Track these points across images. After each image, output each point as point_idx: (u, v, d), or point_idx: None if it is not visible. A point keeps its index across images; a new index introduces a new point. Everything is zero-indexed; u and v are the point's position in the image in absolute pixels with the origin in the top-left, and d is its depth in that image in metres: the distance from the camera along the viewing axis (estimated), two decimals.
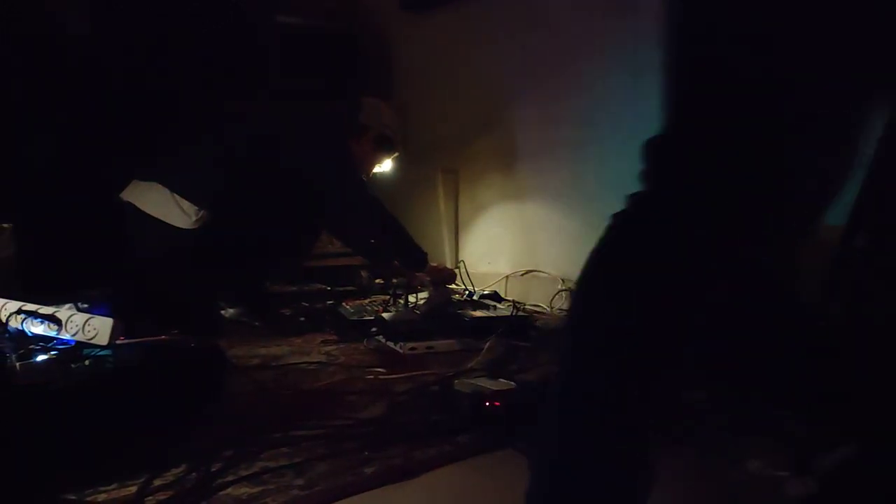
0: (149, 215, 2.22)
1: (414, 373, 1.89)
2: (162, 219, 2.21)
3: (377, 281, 3.01)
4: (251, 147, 2.35)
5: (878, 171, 1.49)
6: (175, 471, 1.23)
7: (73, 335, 1.42)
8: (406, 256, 2.61)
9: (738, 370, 1.75)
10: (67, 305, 1.51)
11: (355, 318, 2.41)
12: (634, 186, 2.87)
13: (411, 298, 2.59)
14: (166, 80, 2.62)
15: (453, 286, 2.86)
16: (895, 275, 1.16)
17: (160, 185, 2.24)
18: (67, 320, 1.43)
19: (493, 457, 1.36)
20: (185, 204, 2.21)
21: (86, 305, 1.49)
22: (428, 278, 2.65)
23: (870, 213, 1.59)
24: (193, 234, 2.21)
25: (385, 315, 2.30)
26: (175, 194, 2.22)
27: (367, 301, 2.70)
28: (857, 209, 1.65)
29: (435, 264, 2.73)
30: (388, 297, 2.67)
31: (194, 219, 2.21)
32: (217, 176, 2.29)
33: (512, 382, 1.62)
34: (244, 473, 1.24)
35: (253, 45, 2.93)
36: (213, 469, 1.24)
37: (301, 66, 3.08)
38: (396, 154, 2.78)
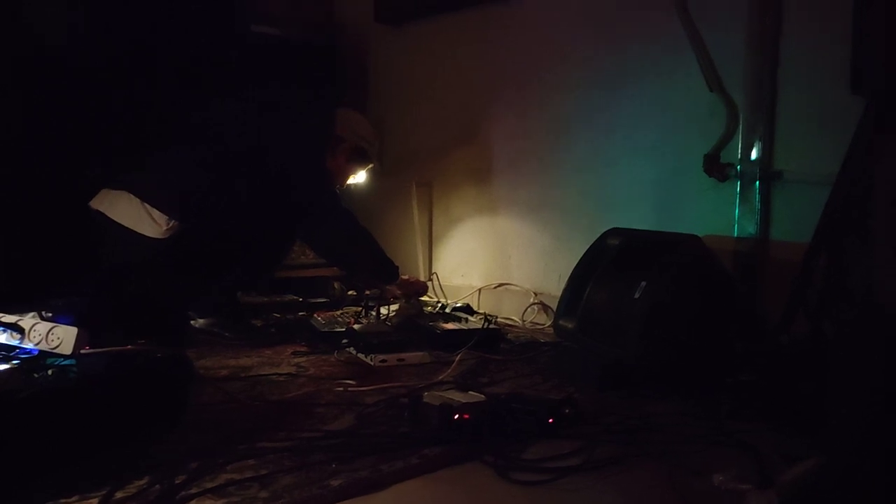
0: (118, 224, 2.19)
1: (384, 385, 1.88)
2: (132, 228, 2.18)
3: (350, 292, 3.00)
4: (224, 157, 2.33)
5: (837, 197, 1.53)
6: (138, 483, 1.22)
7: (37, 344, 1.39)
8: (377, 269, 2.60)
9: (704, 384, 1.78)
10: (31, 314, 1.49)
11: (326, 329, 2.40)
12: (603, 201, 2.93)
13: (383, 310, 2.59)
14: (140, 88, 2.59)
15: (425, 298, 2.86)
16: (852, 292, 1.19)
17: (130, 195, 2.21)
18: (31, 329, 1.41)
19: (462, 469, 1.36)
20: (156, 213, 2.19)
21: (50, 314, 1.47)
22: (399, 291, 2.65)
23: (829, 234, 1.63)
24: (164, 244, 2.19)
25: (356, 327, 2.30)
26: (146, 204, 2.19)
27: (339, 313, 2.69)
28: (819, 231, 1.69)
29: (406, 277, 2.73)
30: (361, 308, 2.66)
31: (165, 228, 2.18)
32: (188, 186, 2.26)
33: (482, 395, 1.63)
34: (209, 486, 1.22)
35: (229, 55, 2.92)
36: (177, 481, 1.23)
37: (277, 77, 3.07)
38: (372, 166, 2.77)
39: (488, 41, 3.09)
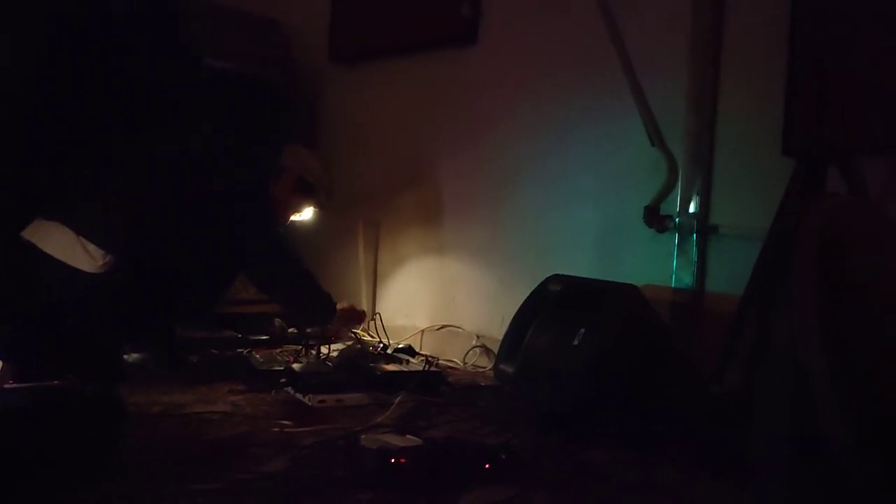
0: (52, 257, 2.11)
1: (321, 426, 1.86)
2: (66, 261, 2.11)
3: (291, 330, 2.96)
4: (163, 189, 2.29)
5: (767, 253, 1.60)
6: None
7: None
8: (313, 308, 2.57)
9: (639, 432, 1.80)
10: None
11: (265, 367, 2.36)
12: (547, 247, 2.96)
13: (323, 349, 2.56)
14: (80, 115, 2.54)
15: (367, 337, 2.85)
16: (775, 347, 1.23)
17: (65, 227, 2.14)
18: None
19: None
20: (91, 247, 2.12)
21: None
22: (338, 326, 2.62)
23: (760, 288, 1.69)
24: (99, 279, 2.12)
25: (295, 366, 2.27)
26: (81, 237, 2.13)
27: (278, 350, 2.66)
28: (751, 285, 1.76)
29: (344, 304, 2.69)
30: (301, 347, 2.63)
31: (101, 263, 2.12)
32: (126, 220, 2.21)
33: (419, 439, 1.62)
34: None
35: (179, 87, 2.89)
36: None
37: (229, 111, 3.05)
38: (319, 202, 2.75)
39: (440, 85, 3.14)
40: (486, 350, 2.84)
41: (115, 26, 2.70)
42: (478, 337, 2.89)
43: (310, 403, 2.06)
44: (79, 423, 1.38)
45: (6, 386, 1.33)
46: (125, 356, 2.40)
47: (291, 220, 2.73)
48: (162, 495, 1.32)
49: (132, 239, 2.17)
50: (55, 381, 1.41)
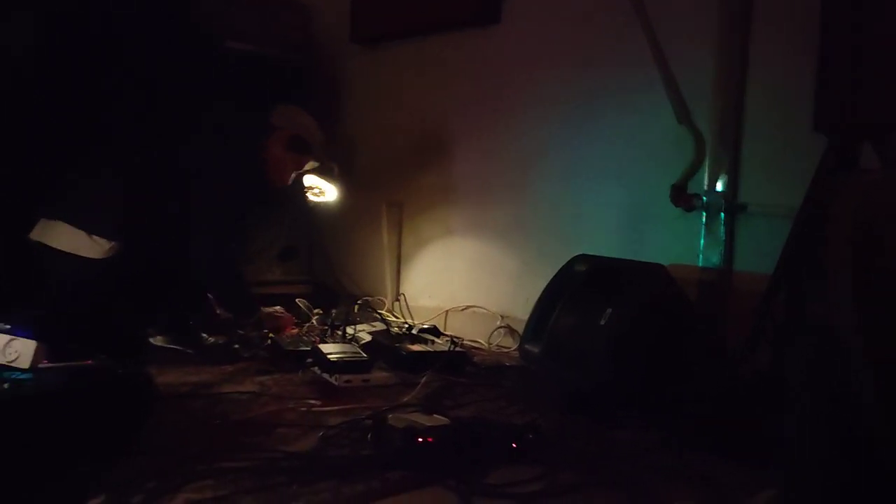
0: (60, 251, 2.18)
1: (347, 406, 1.87)
2: (73, 252, 2.17)
3: (316, 311, 2.97)
4: (154, 174, 2.31)
5: (798, 231, 1.57)
6: (94, 501, 1.19)
7: None
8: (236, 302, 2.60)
9: (666, 412, 1.79)
10: None
11: (291, 347, 2.37)
12: (572, 227, 2.94)
13: (349, 330, 2.58)
14: (87, 102, 2.54)
15: (391, 318, 2.85)
16: (809, 326, 1.21)
17: (66, 224, 2.20)
18: None
19: (424, 493, 1.35)
20: (95, 237, 2.19)
21: (8, 327, 1.44)
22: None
23: (790, 267, 1.67)
24: (107, 263, 2.18)
25: (322, 346, 2.28)
26: (84, 230, 2.19)
27: (304, 331, 2.67)
28: (780, 264, 1.73)
29: (271, 310, 2.69)
30: (326, 327, 2.65)
31: (106, 248, 2.18)
32: (125, 209, 2.26)
33: (446, 419, 1.62)
34: None
35: (198, 70, 2.89)
36: (134, 501, 1.20)
37: (250, 93, 3.05)
38: (317, 157, 2.74)
39: (462, 65, 3.12)
40: (510, 330, 2.84)
41: (127, 8, 2.69)
42: (502, 317, 2.89)
43: (336, 383, 2.07)
44: (110, 402, 1.40)
45: (41, 366, 1.35)
46: (150, 338, 2.43)
47: (312, 197, 2.71)
48: (192, 473, 1.33)
49: (131, 225, 2.22)
50: (88, 361, 1.43)
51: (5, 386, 1.29)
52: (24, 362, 1.35)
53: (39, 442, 1.25)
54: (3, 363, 1.36)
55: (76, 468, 1.27)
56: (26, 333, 1.39)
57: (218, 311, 2.60)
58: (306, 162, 2.70)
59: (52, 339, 1.41)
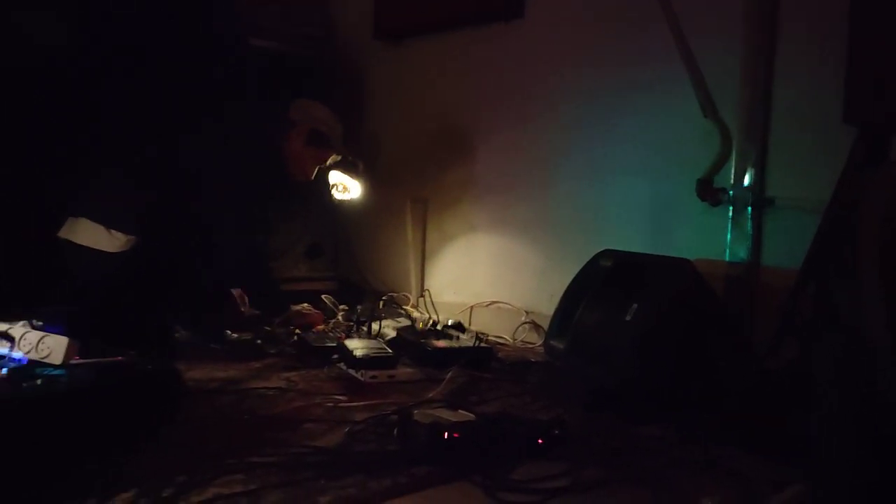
0: (83, 247, 2.23)
1: (373, 402, 1.88)
2: (93, 246, 2.22)
3: (342, 307, 2.99)
4: (174, 169, 2.34)
5: (827, 226, 1.55)
6: (125, 495, 1.21)
7: (26, 353, 1.39)
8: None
9: (692, 408, 1.78)
10: (21, 323, 1.49)
11: (317, 343, 2.39)
12: (596, 222, 2.93)
13: (374, 326, 2.59)
14: (109, 102, 2.57)
15: (416, 313, 2.86)
16: (838, 322, 1.20)
17: (87, 220, 2.25)
18: (21, 338, 1.41)
19: (450, 489, 1.36)
20: (114, 231, 2.23)
21: (40, 323, 1.47)
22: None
23: (819, 263, 1.64)
24: (125, 256, 2.23)
25: (347, 342, 2.29)
26: (103, 225, 2.23)
27: (329, 327, 2.69)
28: (809, 259, 1.71)
29: (299, 308, 2.72)
30: (352, 323, 2.66)
31: (124, 241, 2.22)
32: (142, 203, 2.30)
33: (471, 414, 1.63)
34: (196, 500, 1.22)
35: (219, 68, 2.91)
36: (164, 494, 1.22)
37: (272, 91, 3.07)
38: (337, 150, 2.75)
39: (488, 60, 3.11)
40: (534, 326, 2.84)
41: (151, 7, 2.72)
42: (526, 313, 2.89)
43: (362, 379, 2.08)
44: (140, 397, 1.43)
45: (73, 361, 1.37)
46: (175, 333, 2.46)
47: (337, 193, 2.72)
48: (221, 468, 1.35)
49: (153, 221, 2.26)
50: (118, 357, 1.45)
51: (38, 382, 1.32)
52: (57, 358, 1.38)
53: (71, 436, 1.27)
54: (36, 359, 1.39)
55: (107, 462, 1.30)
56: (58, 330, 1.42)
57: (242, 309, 2.63)
58: (327, 156, 2.72)
59: (82, 336, 1.44)
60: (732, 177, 2.30)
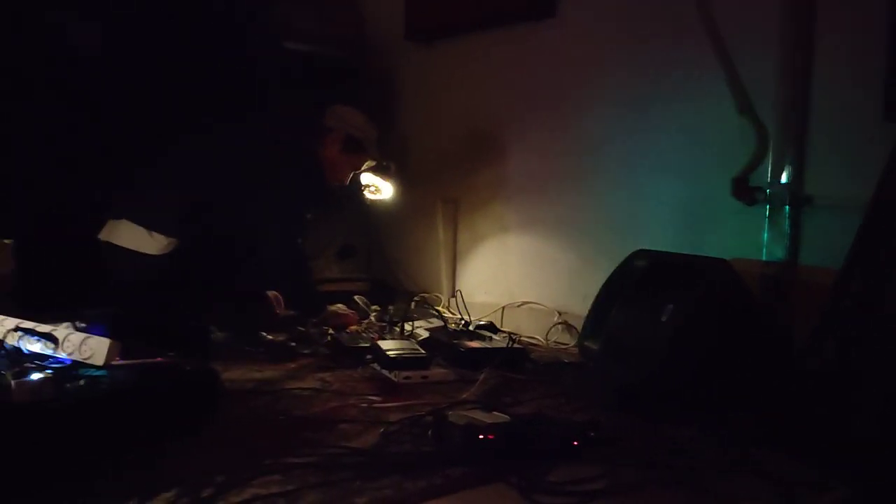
0: (124, 249, 2.31)
1: (408, 402, 1.89)
2: (134, 248, 2.30)
3: (374, 307, 3.01)
4: (215, 175, 2.39)
5: (870, 223, 1.52)
6: (165, 495, 1.23)
7: (70, 354, 1.42)
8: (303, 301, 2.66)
9: (729, 409, 1.76)
10: (65, 324, 1.52)
11: (351, 344, 2.41)
12: (630, 222, 2.90)
13: (407, 326, 2.60)
14: (151, 105, 2.62)
15: (448, 314, 2.86)
16: (886, 319, 1.17)
17: (129, 223, 2.33)
18: (64, 339, 1.44)
19: (486, 490, 1.36)
20: (155, 234, 2.30)
21: (83, 325, 1.50)
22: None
23: (863, 260, 1.61)
24: (167, 259, 2.31)
25: (381, 342, 2.31)
26: (145, 228, 2.31)
27: (363, 328, 2.70)
28: (852, 256, 1.68)
29: (335, 308, 2.74)
30: (385, 324, 2.67)
31: (164, 243, 2.29)
32: (182, 207, 2.35)
33: (506, 416, 1.62)
34: (234, 500, 1.23)
35: (255, 69, 2.94)
36: (204, 494, 1.24)
37: (306, 94, 3.09)
38: (372, 156, 2.77)
39: (519, 60, 3.11)
40: (568, 327, 2.82)
41: (190, 14, 2.76)
42: (559, 314, 2.87)
43: (395, 379, 2.09)
44: (180, 398, 1.45)
45: (114, 363, 1.40)
46: (211, 335, 2.49)
47: (369, 195, 2.74)
48: (259, 468, 1.37)
49: (189, 223, 2.31)
50: (157, 359, 1.48)
51: (81, 383, 1.34)
52: (99, 359, 1.40)
53: (113, 436, 1.30)
54: (79, 360, 1.42)
55: (147, 462, 1.32)
56: (100, 331, 1.45)
57: (277, 310, 2.66)
58: (363, 162, 2.74)
59: (124, 337, 1.46)
60: (769, 175, 2.26)
